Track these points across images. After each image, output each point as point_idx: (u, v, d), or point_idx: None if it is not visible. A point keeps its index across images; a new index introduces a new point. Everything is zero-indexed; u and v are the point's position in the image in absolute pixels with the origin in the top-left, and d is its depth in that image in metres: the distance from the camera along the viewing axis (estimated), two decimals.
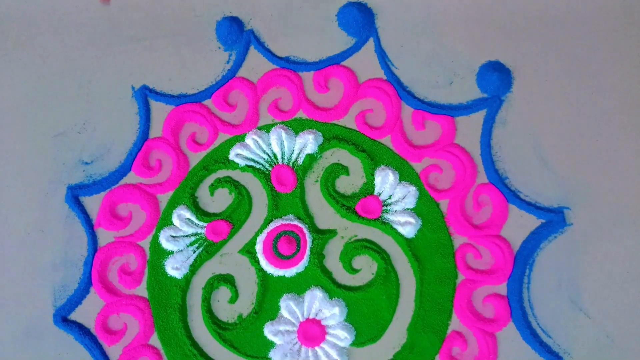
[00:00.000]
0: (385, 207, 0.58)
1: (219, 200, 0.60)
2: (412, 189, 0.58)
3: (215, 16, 0.63)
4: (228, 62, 0.62)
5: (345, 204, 0.58)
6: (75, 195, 0.60)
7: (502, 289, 0.56)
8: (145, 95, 0.62)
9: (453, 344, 0.56)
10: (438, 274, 0.57)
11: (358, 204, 0.58)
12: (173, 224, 0.59)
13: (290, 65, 0.61)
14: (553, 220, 0.57)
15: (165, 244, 0.58)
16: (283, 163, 0.60)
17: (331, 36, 0.62)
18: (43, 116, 0.62)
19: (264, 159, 0.60)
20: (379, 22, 0.62)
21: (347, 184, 0.59)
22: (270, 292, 0.58)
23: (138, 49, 0.63)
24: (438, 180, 0.59)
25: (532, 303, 0.56)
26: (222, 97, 0.61)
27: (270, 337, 0.56)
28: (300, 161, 0.60)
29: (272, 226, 0.58)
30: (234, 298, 0.58)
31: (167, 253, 0.58)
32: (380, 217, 0.58)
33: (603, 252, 0.56)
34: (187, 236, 0.59)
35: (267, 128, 0.60)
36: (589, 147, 0.58)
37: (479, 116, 0.59)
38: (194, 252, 0.58)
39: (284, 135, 0.59)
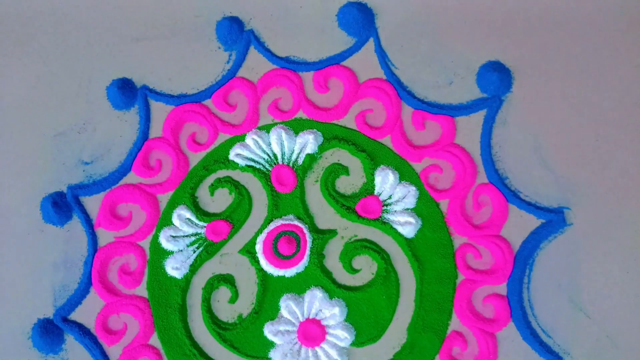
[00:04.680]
0: (385, 207, 0.58)
1: (219, 200, 0.60)
2: (412, 189, 0.58)
3: (215, 16, 0.63)
4: (228, 62, 0.62)
5: (345, 204, 0.59)
6: (75, 195, 0.60)
7: (502, 289, 0.56)
8: (145, 95, 0.62)
9: (453, 344, 0.56)
10: (438, 274, 0.57)
11: (358, 204, 0.58)
12: (173, 224, 0.59)
13: (290, 65, 0.61)
14: (553, 220, 0.57)
15: (165, 244, 0.58)
16: (283, 163, 0.60)
17: (331, 36, 0.62)
18: (43, 116, 0.62)
19: (264, 159, 0.60)
20: (379, 22, 0.62)
21: (347, 184, 0.59)
22: (270, 292, 0.58)
23: (138, 49, 0.63)
24: (438, 180, 0.59)
25: (532, 303, 0.56)
26: (222, 97, 0.61)
27: (270, 337, 0.56)
28: (300, 161, 0.60)
29: (272, 226, 0.58)
30: (234, 298, 0.58)
31: (167, 253, 0.58)
32: (380, 217, 0.58)
33: (603, 252, 0.56)
34: (187, 236, 0.59)
35: (267, 128, 0.60)
36: (589, 147, 0.58)
37: (479, 116, 0.59)
38: (194, 252, 0.58)
39: (284, 135, 0.59)
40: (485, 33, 0.61)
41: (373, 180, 0.59)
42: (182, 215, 0.59)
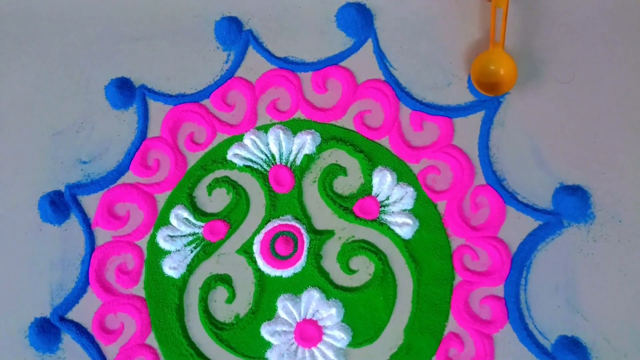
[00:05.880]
0: (382, 208, 0.58)
1: (217, 200, 0.60)
2: (410, 190, 0.58)
3: (214, 16, 0.63)
4: (227, 62, 0.62)
5: (343, 205, 0.58)
6: (73, 194, 0.60)
7: (499, 290, 0.56)
8: (143, 95, 0.62)
9: (450, 345, 0.56)
10: (435, 275, 0.57)
11: (356, 205, 0.58)
12: (170, 224, 0.59)
13: (288, 65, 0.61)
14: (550, 222, 0.57)
15: (163, 243, 0.58)
16: (281, 163, 0.60)
17: (330, 37, 0.62)
18: (41, 115, 0.62)
19: (261, 159, 0.60)
20: (378, 22, 0.62)
21: (344, 185, 0.59)
22: (267, 292, 0.58)
23: (137, 49, 0.63)
24: (436, 181, 0.59)
25: (529, 305, 0.56)
26: (220, 97, 0.61)
27: (267, 337, 0.56)
28: (298, 161, 0.60)
29: (269, 226, 0.58)
30: (231, 298, 0.58)
31: (165, 253, 0.58)
32: (378, 218, 0.58)
33: (600, 253, 0.56)
34: (184, 236, 0.59)
35: (265, 128, 0.60)
36: (586, 149, 0.58)
37: (477, 117, 0.59)
38: (192, 252, 0.58)
39: (282, 135, 0.59)
40: (482, 35, 0.61)
41: (371, 181, 0.59)
42: (179, 215, 0.59)
